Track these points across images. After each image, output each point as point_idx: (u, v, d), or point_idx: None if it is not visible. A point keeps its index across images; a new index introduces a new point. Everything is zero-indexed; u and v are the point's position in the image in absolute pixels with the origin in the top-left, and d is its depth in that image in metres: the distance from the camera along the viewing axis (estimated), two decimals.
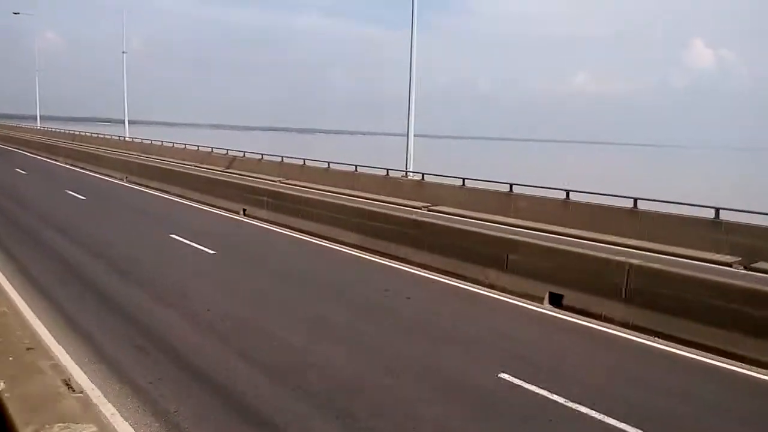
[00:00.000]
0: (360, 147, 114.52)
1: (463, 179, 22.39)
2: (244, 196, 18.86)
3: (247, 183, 21.04)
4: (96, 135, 59.21)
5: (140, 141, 48.84)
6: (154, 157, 42.62)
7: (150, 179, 25.16)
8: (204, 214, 19.06)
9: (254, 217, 17.91)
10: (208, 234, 15.32)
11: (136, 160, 30.10)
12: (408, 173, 25.84)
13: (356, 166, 27.65)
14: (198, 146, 41.25)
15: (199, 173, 24.26)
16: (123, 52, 50.78)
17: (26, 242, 13.77)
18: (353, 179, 27.17)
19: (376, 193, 25.08)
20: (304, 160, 31.21)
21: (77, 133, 63.73)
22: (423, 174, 24.30)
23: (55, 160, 36.97)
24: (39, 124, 77.95)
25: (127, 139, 51.43)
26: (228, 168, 36.68)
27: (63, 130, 70.32)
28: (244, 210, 18.54)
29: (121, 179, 27.07)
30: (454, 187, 22.87)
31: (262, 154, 34.69)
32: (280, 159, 32.98)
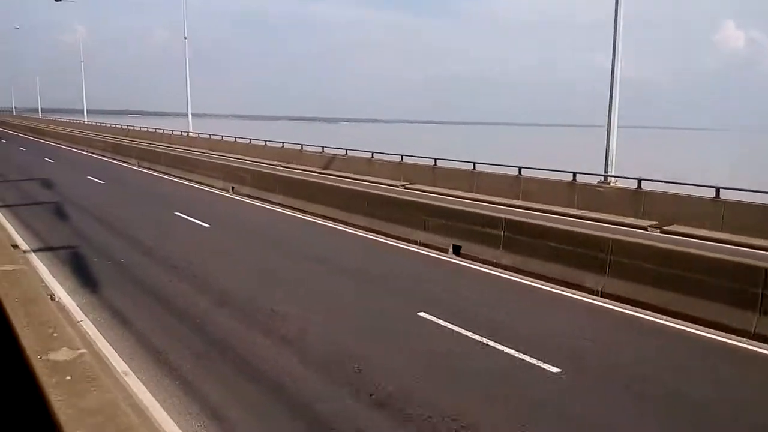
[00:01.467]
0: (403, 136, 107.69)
1: (717, 188, 15.87)
2: (473, 230, 12.44)
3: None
4: (148, 129, 53.76)
5: (207, 137, 43.08)
6: (228, 155, 36.92)
7: (279, 194, 18.95)
8: (416, 258, 12.66)
9: (487, 263, 11.64)
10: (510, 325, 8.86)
11: (245, 166, 23.91)
12: (609, 178, 19.33)
13: (520, 168, 21.28)
14: (282, 143, 35.22)
15: (383, 192, 17.29)
16: (184, 38, 44.81)
17: (223, 370, 7.39)
18: (518, 186, 20.82)
19: (559, 206, 18.65)
20: (435, 159, 24.96)
21: (129, 128, 58.41)
22: (639, 180, 17.78)
23: (127, 163, 31.22)
24: (86, 119, 73.07)
25: (191, 134, 45.73)
26: (325, 168, 30.67)
27: (111, 125, 65.20)
28: (457, 247, 12.29)
29: (226, 190, 21.13)
30: (699, 199, 16.39)
31: (372, 152, 28.52)
32: (399, 158, 26.75)
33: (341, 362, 6.86)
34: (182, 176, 24.42)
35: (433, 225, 13.19)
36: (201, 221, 15.25)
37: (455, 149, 50.37)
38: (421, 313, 8.53)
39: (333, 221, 15.67)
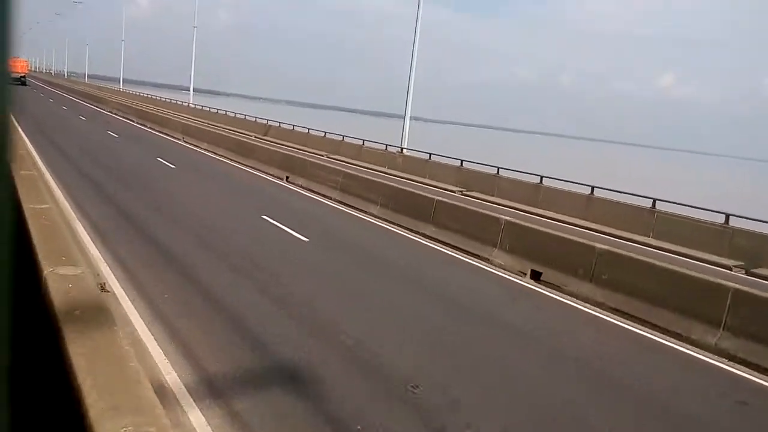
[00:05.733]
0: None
1: None
2: None
3: None
4: (309, 132, 36.65)
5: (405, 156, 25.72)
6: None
7: None
8: None
9: None
10: None
11: None
12: None
13: None
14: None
15: None
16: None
17: None
18: None
19: None
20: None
21: (269, 124, 41.16)
22: None
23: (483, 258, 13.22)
24: (192, 100, 56.10)
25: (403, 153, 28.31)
26: None
27: (220, 111, 48.23)
28: None
29: None
30: None
31: None
32: None
33: None
34: None
35: None
36: None
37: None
38: None
39: None
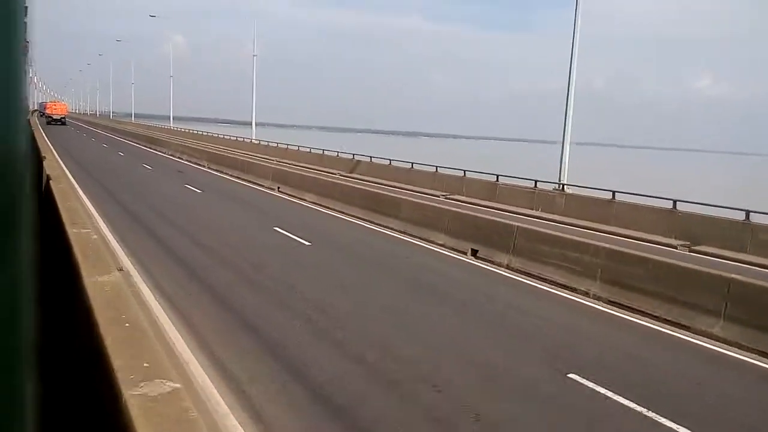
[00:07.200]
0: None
1: None
2: None
3: None
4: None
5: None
6: None
7: None
8: None
9: None
10: None
11: None
12: None
13: None
14: None
15: None
16: None
17: None
18: None
19: None
20: None
21: (356, 158, 34.74)
22: None
23: None
24: (254, 135, 50.09)
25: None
26: None
27: (287, 146, 42.09)
28: None
29: None
30: None
31: None
32: None
33: None
34: None
35: None
36: None
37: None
38: None
39: None
